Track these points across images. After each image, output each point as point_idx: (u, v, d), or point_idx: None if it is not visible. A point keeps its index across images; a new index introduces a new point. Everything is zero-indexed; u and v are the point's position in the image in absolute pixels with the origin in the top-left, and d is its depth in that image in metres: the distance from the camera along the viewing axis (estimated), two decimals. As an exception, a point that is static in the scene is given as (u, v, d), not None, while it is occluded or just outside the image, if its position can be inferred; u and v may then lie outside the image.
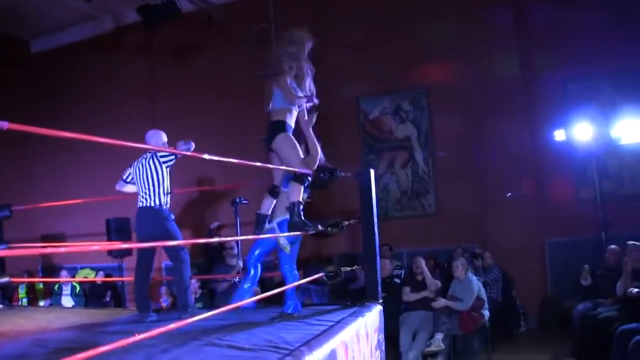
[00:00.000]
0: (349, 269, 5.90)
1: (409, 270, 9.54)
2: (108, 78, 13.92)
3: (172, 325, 3.06)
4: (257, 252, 5.69)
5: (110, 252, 11.69)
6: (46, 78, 14.68)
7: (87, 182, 12.62)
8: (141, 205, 5.93)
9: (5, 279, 7.57)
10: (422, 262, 8.94)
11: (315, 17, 12.21)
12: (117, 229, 11.66)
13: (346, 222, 5.88)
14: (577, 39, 10.46)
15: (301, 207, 5.44)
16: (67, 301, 11.74)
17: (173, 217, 5.95)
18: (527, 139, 10.85)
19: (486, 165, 10.99)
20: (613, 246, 8.60)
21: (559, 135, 10.33)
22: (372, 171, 5.97)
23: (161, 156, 5.89)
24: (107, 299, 11.62)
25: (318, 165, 5.77)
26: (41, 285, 12.31)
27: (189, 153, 5.72)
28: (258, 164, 5.12)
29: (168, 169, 5.96)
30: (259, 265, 5.74)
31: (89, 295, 12.01)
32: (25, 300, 11.89)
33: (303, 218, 5.40)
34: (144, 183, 5.93)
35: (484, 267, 9.85)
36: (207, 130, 11.82)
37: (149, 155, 6.00)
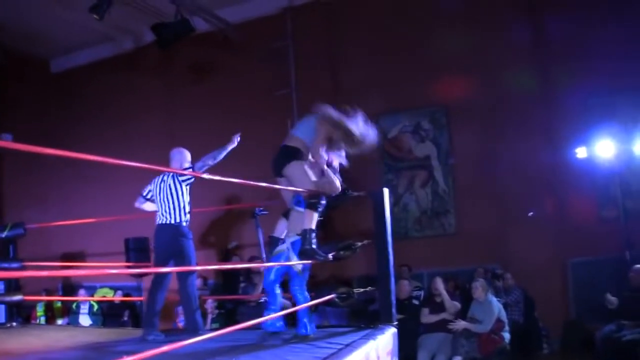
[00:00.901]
0: (362, 290, 5.79)
1: (429, 291, 9.38)
2: (126, 97, 13.95)
3: (165, 348, 2.93)
4: (272, 275, 5.57)
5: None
6: (66, 97, 14.74)
7: (106, 200, 12.61)
8: (160, 222, 5.96)
9: (19, 297, 7.65)
10: (440, 284, 8.74)
11: (332, 35, 12.20)
12: (136, 249, 11.51)
13: (359, 244, 5.74)
14: (597, 53, 10.29)
15: (314, 234, 5.32)
16: (84, 320, 11.65)
17: (191, 235, 5.98)
18: (548, 156, 10.66)
19: (507, 184, 10.79)
20: (638, 266, 8.40)
21: (581, 152, 10.19)
22: (386, 190, 5.84)
23: (179, 175, 5.94)
24: (125, 318, 11.54)
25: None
26: (59, 304, 12.27)
27: (203, 175, 5.70)
28: (264, 184, 5.03)
29: (188, 187, 5.99)
30: (276, 286, 5.62)
31: (107, 314, 11.91)
32: (43, 319, 11.85)
33: (314, 246, 5.27)
34: (163, 200, 5.98)
35: (504, 288, 9.61)
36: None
37: (170, 173, 6.05)
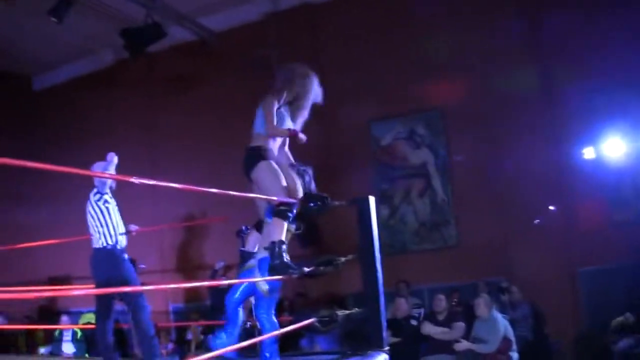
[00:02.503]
0: (347, 312, 5.11)
1: (430, 309, 8.76)
2: (108, 111, 13.44)
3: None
4: (236, 294, 4.91)
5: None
6: (48, 114, 14.30)
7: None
8: (94, 246, 5.60)
9: None
10: (443, 303, 8.16)
11: (318, 40, 11.66)
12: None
13: (342, 259, 5.07)
14: (600, 47, 9.75)
15: (284, 247, 4.66)
16: (68, 348, 11.02)
17: (126, 257, 5.62)
18: (553, 159, 10.03)
19: (510, 190, 10.12)
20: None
21: (588, 152, 9.69)
22: (372, 198, 5.14)
23: (94, 194, 5.59)
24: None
25: (307, 193, 5.00)
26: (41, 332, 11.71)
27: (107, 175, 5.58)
28: (234, 193, 4.38)
29: (107, 205, 5.58)
30: (239, 309, 4.96)
31: (91, 341, 11.32)
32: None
33: (285, 259, 4.60)
34: (90, 223, 5.66)
35: (511, 303, 8.96)
36: (204, 160, 11.48)
37: (90, 194, 5.70)
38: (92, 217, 5.59)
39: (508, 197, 10.14)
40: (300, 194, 4.96)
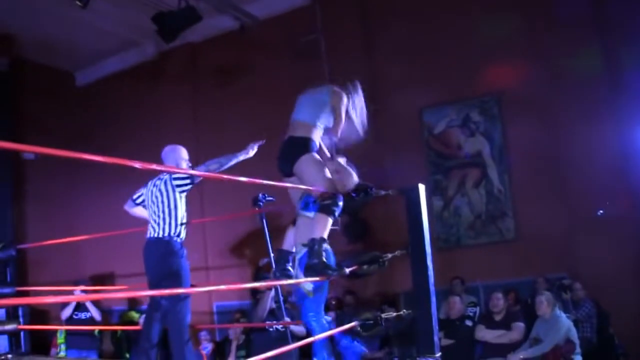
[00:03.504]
0: (393, 314, 4.62)
1: (485, 308, 8.21)
2: (152, 105, 13.16)
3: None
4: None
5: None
6: (91, 110, 14.12)
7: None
8: (149, 236, 5.19)
9: (12, 326, 7.65)
10: (501, 301, 7.61)
11: (368, 24, 11.15)
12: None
13: (389, 255, 4.59)
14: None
15: (325, 245, 4.21)
16: (107, 347, 10.86)
17: (185, 253, 5.17)
18: (618, 146, 9.28)
19: (572, 180, 9.46)
20: None
21: None
22: (422, 186, 4.62)
23: (174, 179, 5.13)
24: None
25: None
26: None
27: (203, 174, 5.13)
28: (285, 184, 4.22)
29: (183, 195, 5.15)
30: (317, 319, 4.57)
31: (132, 340, 11.04)
32: (63, 347, 11.00)
33: (324, 259, 4.15)
34: (154, 208, 5.21)
35: (574, 301, 8.32)
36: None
37: (165, 176, 5.27)
38: (162, 203, 5.20)
39: (570, 187, 9.50)
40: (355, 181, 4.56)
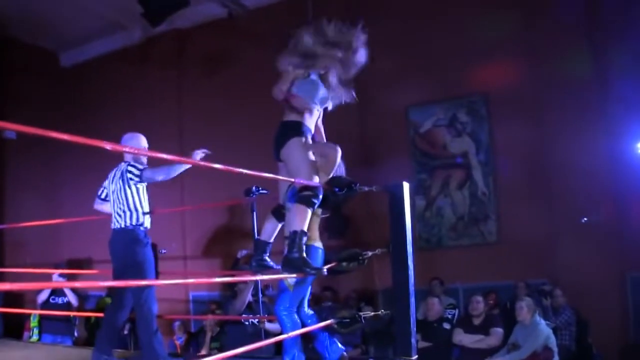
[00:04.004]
0: (371, 313, 4.51)
1: (465, 311, 8.12)
2: (137, 90, 12.97)
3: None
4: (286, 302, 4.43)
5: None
6: (75, 91, 13.86)
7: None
8: (114, 227, 5.07)
9: None
10: (481, 305, 7.52)
11: (357, 19, 10.95)
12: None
13: (369, 253, 4.48)
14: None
15: (305, 238, 4.09)
16: (82, 332, 10.65)
17: (149, 241, 5.05)
18: (606, 152, 9.18)
19: (557, 184, 9.37)
20: None
21: None
22: (405, 184, 4.50)
23: (128, 171, 5.00)
24: (126, 332, 10.43)
25: (332, 177, 4.43)
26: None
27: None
28: (265, 174, 3.90)
29: (142, 185, 5.05)
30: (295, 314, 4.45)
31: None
32: (36, 330, 10.79)
33: (304, 254, 4.03)
34: (115, 199, 5.08)
35: (553, 308, 8.23)
36: (238, 142, 10.76)
37: (122, 166, 5.13)
38: (119, 193, 5.07)
39: (555, 192, 9.41)
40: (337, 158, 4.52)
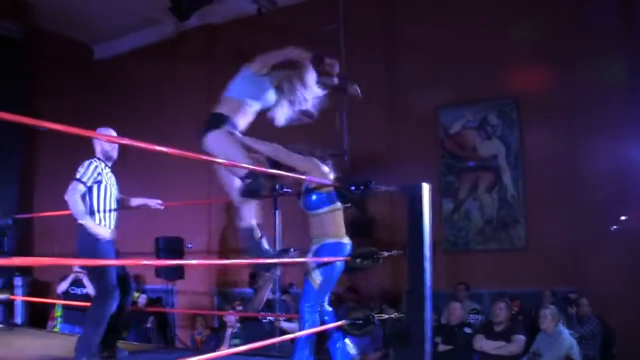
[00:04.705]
0: (385, 316, 4.45)
1: (487, 317, 8.00)
2: (169, 84, 13.08)
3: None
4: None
5: (158, 274, 10.73)
6: (108, 85, 13.96)
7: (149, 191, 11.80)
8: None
9: (4, 296, 7.84)
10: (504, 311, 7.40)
11: (388, 18, 10.90)
12: (166, 249, 10.58)
13: (385, 253, 4.42)
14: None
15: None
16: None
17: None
18: (636, 160, 8.96)
19: (587, 191, 9.14)
20: None
21: None
22: (425, 185, 4.43)
23: (77, 170, 5.22)
24: (149, 324, 10.48)
25: (350, 180, 4.41)
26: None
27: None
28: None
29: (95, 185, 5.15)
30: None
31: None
32: (59, 320, 10.90)
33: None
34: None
35: (579, 317, 8.06)
36: (266, 138, 10.58)
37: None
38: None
39: (585, 198, 9.18)
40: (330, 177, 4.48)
